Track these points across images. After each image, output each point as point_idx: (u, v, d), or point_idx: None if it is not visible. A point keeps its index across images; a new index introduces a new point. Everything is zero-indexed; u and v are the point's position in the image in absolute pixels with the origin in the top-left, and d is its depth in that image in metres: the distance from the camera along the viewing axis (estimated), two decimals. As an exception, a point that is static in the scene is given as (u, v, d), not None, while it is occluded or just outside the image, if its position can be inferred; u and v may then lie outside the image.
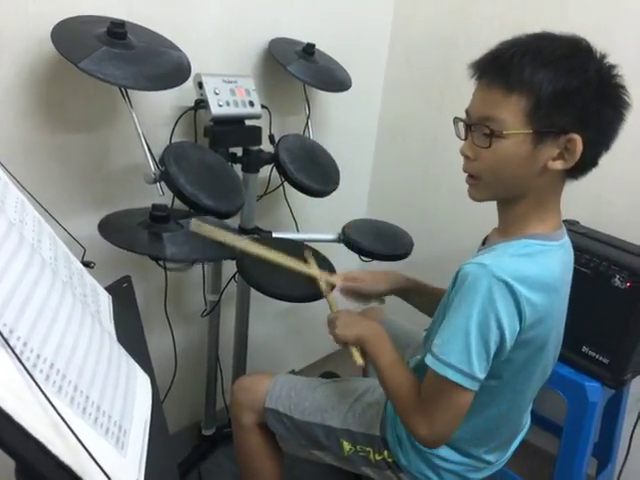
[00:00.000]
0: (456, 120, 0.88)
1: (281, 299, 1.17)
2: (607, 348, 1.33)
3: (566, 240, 0.90)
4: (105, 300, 0.81)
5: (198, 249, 0.97)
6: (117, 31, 1.04)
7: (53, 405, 0.44)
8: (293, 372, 2.06)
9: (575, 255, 1.34)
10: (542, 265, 0.82)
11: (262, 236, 1.44)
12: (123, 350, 0.64)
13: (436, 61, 1.82)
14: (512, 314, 0.77)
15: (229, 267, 1.42)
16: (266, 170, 1.49)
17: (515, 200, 0.85)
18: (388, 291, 1.17)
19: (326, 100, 1.72)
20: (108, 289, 0.86)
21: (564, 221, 1.48)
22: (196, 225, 1.02)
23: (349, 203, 1.98)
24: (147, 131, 1.27)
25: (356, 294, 1.16)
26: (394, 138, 1.98)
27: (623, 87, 0.79)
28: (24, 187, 0.83)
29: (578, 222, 1.52)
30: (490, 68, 0.80)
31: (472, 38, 1.71)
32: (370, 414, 1.02)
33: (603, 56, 0.79)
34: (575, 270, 1.34)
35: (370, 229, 1.54)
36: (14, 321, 0.46)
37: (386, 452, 1.00)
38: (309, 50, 1.49)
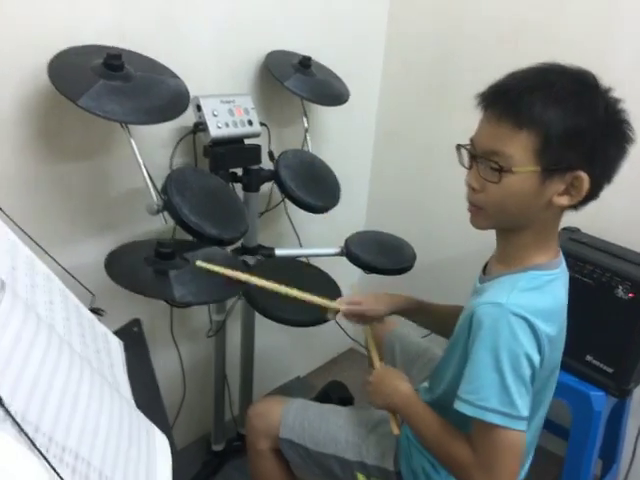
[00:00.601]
0: (459, 147, 0.87)
1: (287, 324, 1.17)
2: (611, 357, 1.35)
3: (564, 264, 0.92)
4: (117, 349, 0.81)
5: (205, 287, 0.97)
6: (114, 63, 1.03)
7: (82, 502, 0.44)
8: (298, 378, 2.08)
9: (578, 265, 1.37)
10: (551, 295, 0.84)
11: (265, 254, 1.44)
12: (141, 415, 0.64)
13: (432, 66, 1.80)
14: (535, 347, 0.78)
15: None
16: (267, 186, 1.48)
17: (517, 231, 0.86)
18: (388, 312, 1.17)
19: (324, 111, 1.71)
20: (119, 333, 0.86)
21: (564, 229, 1.51)
22: (200, 265, 1.02)
23: (349, 214, 1.98)
24: (146, 155, 1.26)
25: (358, 316, 1.16)
26: (391, 145, 1.97)
27: (628, 123, 0.80)
28: (23, 230, 0.82)
29: (579, 229, 1.52)
30: (499, 102, 0.79)
31: (468, 43, 1.70)
32: (384, 446, 1.03)
33: (608, 90, 0.79)
34: (578, 281, 1.36)
35: (372, 242, 1.54)
36: (38, 418, 0.46)
37: None
38: (306, 63, 1.47)
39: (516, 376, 0.77)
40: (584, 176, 0.77)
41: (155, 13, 1.22)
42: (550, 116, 0.75)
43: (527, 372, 0.78)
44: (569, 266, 1.35)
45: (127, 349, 0.83)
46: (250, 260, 1.37)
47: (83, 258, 1.21)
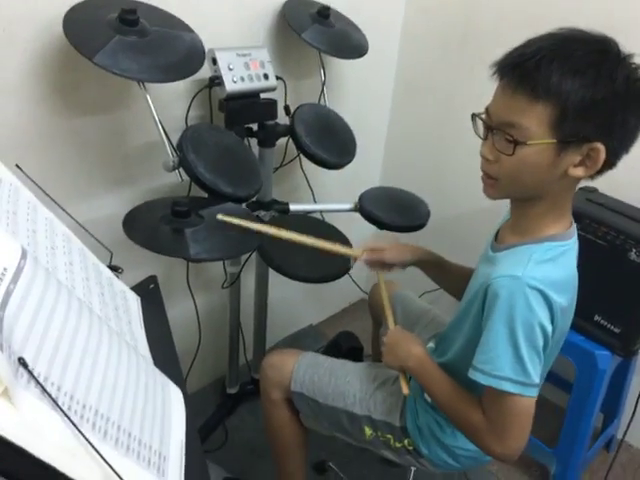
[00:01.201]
0: (474, 116, 0.86)
1: (302, 281, 1.20)
2: (619, 318, 1.36)
3: (576, 233, 0.92)
4: (135, 305, 0.85)
5: (220, 244, 1.00)
6: (129, 18, 1.02)
7: (101, 455, 0.49)
8: (310, 326, 2.14)
9: (592, 227, 1.37)
10: (564, 266, 0.85)
11: (279, 209, 1.46)
12: (157, 371, 0.68)
13: (454, 16, 1.74)
14: (548, 318, 0.80)
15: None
16: (282, 141, 1.48)
17: (531, 201, 0.86)
18: (412, 262, 1.19)
19: (342, 63, 1.67)
20: (135, 290, 0.89)
21: (581, 189, 1.50)
22: (222, 219, 1.04)
23: (365, 168, 1.97)
24: (163, 109, 1.27)
25: (380, 264, 1.19)
26: (410, 97, 1.93)
27: None
28: (42, 189, 0.84)
29: (596, 189, 1.50)
30: (515, 73, 0.77)
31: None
32: (390, 403, 1.07)
33: (629, 58, 0.77)
34: (592, 242, 1.36)
35: (386, 198, 1.55)
36: (60, 378, 0.50)
37: (406, 440, 1.06)
38: (324, 13, 1.43)
39: (530, 346, 0.79)
40: (601, 147, 0.76)
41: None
42: (567, 88, 0.73)
43: (540, 342, 0.80)
44: (583, 227, 1.37)
45: (144, 305, 0.87)
46: (265, 216, 1.39)
47: (100, 213, 1.25)
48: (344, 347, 1.78)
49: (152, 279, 0.91)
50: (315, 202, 1.68)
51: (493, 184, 0.86)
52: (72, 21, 1.00)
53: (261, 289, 1.58)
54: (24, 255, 0.53)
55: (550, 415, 1.61)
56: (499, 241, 0.94)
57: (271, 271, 1.59)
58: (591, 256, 1.35)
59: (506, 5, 1.58)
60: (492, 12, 1.62)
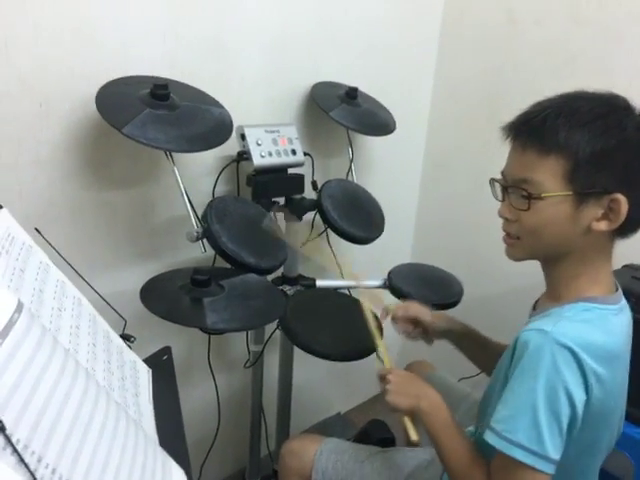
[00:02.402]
0: (492, 181, 0.86)
1: (325, 358, 1.13)
2: (680, 408, 1.23)
3: (624, 303, 0.84)
4: (145, 377, 0.80)
5: (239, 314, 0.95)
6: (160, 93, 1.05)
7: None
8: (338, 415, 2.02)
9: (640, 306, 1.27)
10: (604, 331, 0.76)
11: (306, 284, 1.42)
12: (159, 450, 0.61)
13: (482, 94, 1.76)
14: (579, 384, 0.71)
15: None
16: (309, 216, 1.47)
17: (559, 259, 0.81)
18: (446, 330, 1.13)
19: (370, 141, 1.69)
20: (148, 361, 0.84)
21: (625, 266, 1.41)
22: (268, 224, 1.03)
23: (394, 245, 1.94)
24: (190, 182, 1.28)
25: (411, 324, 1.13)
26: (440, 176, 1.92)
27: None
28: (59, 252, 0.83)
29: (642, 267, 1.42)
30: (523, 130, 0.78)
31: (519, 70, 1.65)
32: None
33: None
34: (640, 322, 1.26)
35: (416, 275, 1.49)
36: (42, 447, 0.44)
37: None
38: (352, 94, 1.47)
39: (550, 412, 0.70)
40: (621, 198, 0.73)
41: (205, 44, 1.24)
42: (576, 139, 0.72)
43: (565, 410, 0.71)
44: (632, 307, 1.27)
45: (155, 377, 0.81)
46: (290, 291, 1.35)
47: (124, 285, 1.22)
48: (374, 437, 1.65)
49: (166, 350, 0.86)
50: (343, 278, 1.63)
51: (514, 243, 0.83)
52: (105, 96, 1.03)
53: (285, 369, 1.50)
54: (19, 309, 0.49)
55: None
56: (536, 309, 0.88)
57: (296, 354, 1.53)
58: (641, 338, 1.26)
59: (535, 79, 1.59)
60: (520, 87, 1.63)
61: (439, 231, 1.97)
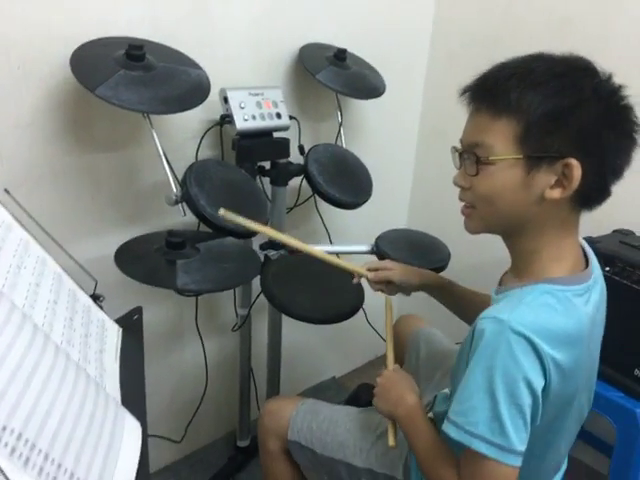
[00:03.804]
0: (453, 149, 0.81)
1: (303, 320, 1.14)
2: (663, 373, 1.22)
3: (596, 278, 0.80)
4: (114, 335, 0.81)
5: (211, 276, 0.95)
6: (135, 53, 1.04)
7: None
8: (333, 379, 2.04)
9: (627, 271, 1.25)
10: (564, 315, 0.72)
11: (290, 250, 1.42)
12: (111, 400, 0.62)
13: (479, 59, 1.70)
14: (537, 370, 0.69)
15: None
16: (297, 181, 1.46)
17: (517, 233, 0.78)
18: (420, 285, 1.12)
19: (361, 106, 1.66)
20: (120, 321, 0.86)
21: (615, 231, 1.39)
22: (225, 214, 0.99)
23: (390, 213, 1.93)
24: (175, 147, 1.28)
25: (385, 284, 1.12)
26: (437, 142, 1.89)
27: (631, 108, 0.71)
28: (34, 219, 0.83)
29: (632, 232, 1.39)
30: (477, 93, 0.74)
31: (517, 33, 1.61)
32: (393, 454, 0.97)
33: (604, 75, 0.71)
34: (627, 288, 1.25)
35: (405, 240, 1.49)
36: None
37: None
38: (340, 56, 1.44)
39: (512, 403, 0.68)
40: (574, 163, 0.68)
41: (187, 4, 1.22)
42: (528, 100, 0.69)
43: (527, 400, 0.68)
44: (617, 271, 1.26)
45: (125, 337, 0.83)
46: (274, 255, 1.35)
47: (110, 249, 1.23)
48: (364, 400, 1.67)
49: (137, 310, 0.87)
50: (332, 244, 1.63)
51: (470, 213, 0.80)
52: (80, 57, 1.03)
53: (274, 333, 1.52)
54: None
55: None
56: (502, 284, 0.86)
57: (290, 318, 1.54)
58: (627, 303, 1.25)
59: (532, 43, 1.53)
60: (517, 50, 1.57)
61: (436, 198, 1.95)
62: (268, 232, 1.06)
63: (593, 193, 0.73)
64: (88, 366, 0.68)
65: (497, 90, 0.71)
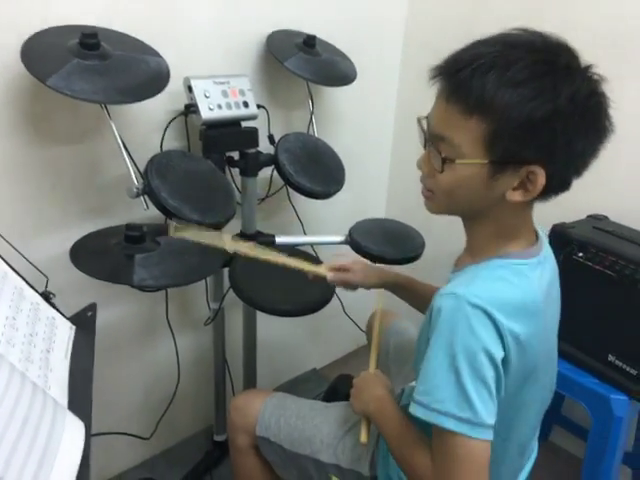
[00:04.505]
0: (420, 120, 0.79)
1: (273, 313, 1.12)
2: (635, 358, 1.21)
3: (546, 253, 0.81)
4: (65, 333, 0.79)
5: (171, 271, 0.93)
6: (89, 42, 1.00)
7: None
8: (314, 370, 2.03)
9: (599, 256, 1.24)
10: (519, 287, 0.73)
11: (264, 241, 1.39)
12: (50, 401, 0.60)
13: (454, 42, 1.69)
14: (496, 342, 0.68)
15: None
16: (267, 171, 1.43)
17: (475, 219, 0.78)
18: (378, 285, 1.14)
19: (333, 94, 1.64)
20: (74, 318, 0.83)
21: (589, 216, 1.38)
22: (176, 230, 0.97)
23: (366, 202, 1.90)
24: (139, 139, 1.25)
25: (345, 284, 1.13)
26: (414, 129, 1.86)
27: (601, 111, 0.68)
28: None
29: (607, 217, 1.38)
30: (450, 81, 0.70)
31: (492, 13, 1.58)
32: (360, 450, 0.96)
33: (587, 68, 0.68)
34: (600, 273, 1.23)
35: (379, 230, 1.47)
36: None
37: None
38: (310, 42, 1.41)
39: (475, 377, 0.67)
40: (539, 171, 0.68)
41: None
42: (504, 102, 0.65)
43: (489, 372, 0.68)
44: (590, 257, 1.25)
45: (77, 334, 0.80)
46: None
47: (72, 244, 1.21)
48: (342, 392, 1.66)
49: (91, 307, 0.85)
50: (305, 235, 1.61)
51: (430, 196, 0.79)
52: (32, 46, 0.99)
53: (249, 326, 1.50)
54: None
55: (566, 466, 1.44)
56: (457, 264, 0.85)
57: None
58: (600, 289, 1.24)
59: (508, 25, 1.52)
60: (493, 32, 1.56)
61: (414, 186, 1.89)
62: (225, 245, 1.02)
63: (553, 191, 0.73)
64: (30, 366, 0.65)
65: (472, 84, 0.66)
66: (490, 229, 0.77)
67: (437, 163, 0.73)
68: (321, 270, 1.10)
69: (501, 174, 0.69)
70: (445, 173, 0.72)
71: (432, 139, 0.74)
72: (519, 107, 0.65)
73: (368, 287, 1.12)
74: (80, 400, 0.67)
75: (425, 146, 0.77)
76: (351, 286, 1.12)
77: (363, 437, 0.90)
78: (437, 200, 0.78)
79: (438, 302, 0.71)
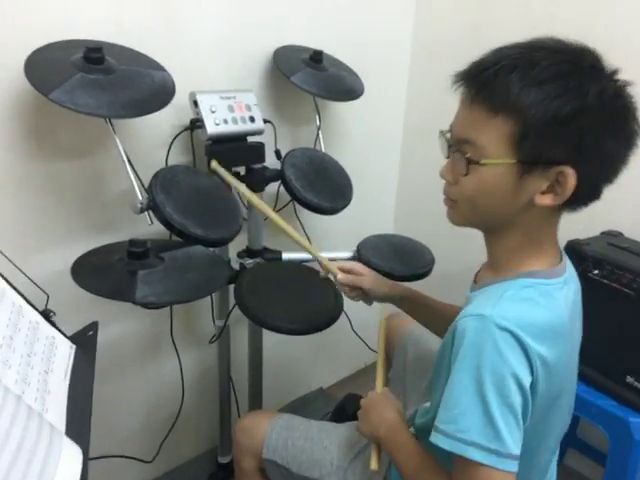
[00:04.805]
0: (440, 134, 0.77)
1: (279, 332, 1.09)
2: (656, 379, 1.17)
3: (570, 273, 0.78)
4: (65, 353, 0.76)
5: (174, 287, 0.90)
6: (93, 56, 0.99)
7: None
8: (320, 390, 1.99)
9: (615, 274, 1.21)
10: (546, 309, 0.70)
11: (270, 257, 1.37)
12: (46, 425, 0.57)
13: (461, 54, 1.67)
14: (524, 366, 0.65)
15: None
16: (274, 187, 1.41)
17: (499, 231, 0.75)
18: (388, 296, 1.10)
19: (340, 109, 1.62)
20: (74, 337, 0.81)
21: (603, 233, 1.35)
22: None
23: (374, 217, 1.88)
24: (144, 154, 1.23)
25: (353, 288, 1.10)
26: (422, 142, 1.84)
27: (631, 111, 0.67)
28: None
29: (621, 233, 1.35)
30: (474, 84, 0.69)
31: (497, 26, 1.57)
32: (371, 474, 0.91)
33: (613, 72, 0.66)
34: (617, 291, 1.20)
35: (388, 246, 1.44)
36: None
37: None
38: (317, 58, 1.40)
39: (503, 403, 0.64)
40: (569, 172, 0.65)
41: (154, 5, 1.18)
42: (529, 100, 0.63)
43: (517, 399, 0.64)
44: (606, 274, 1.21)
45: (77, 354, 0.77)
46: (250, 264, 1.30)
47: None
48: (350, 411, 1.61)
49: (92, 326, 0.82)
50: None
51: (453, 205, 0.76)
52: (36, 61, 0.98)
53: (254, 344, 1.47)
54: None
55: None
56: (477, 281, 0.82)
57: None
58: (616, 306, 1.20)
59: (514, 36, 1.51)
60: (500, 43, 1.55)
61: (423, 201, 1.89)
62: (253, 199, 1.11)
63: (584, 199, 0.70)
64: (27, 389, 0.63)
65: (496, 84, 0.65)
66: (514, 242, 0.74)
67: (461, 166, 0.70)
68: (334, 267, 1.09)
69: (529, 175, 0.67)
70: (470, 177, 0.70)
71: (456, 144, 0.72)
72: (545, 104, 0.63)
73: (377, 296, 1.09)
74: (78, 424, 0.64)
75: (448, 156, 0.75)
76: (357, 292, 1.09)
77: (374, 464, 0.86)
78: (460, 209, 0.75)
79: (462, 324, 0.68)
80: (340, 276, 1.07)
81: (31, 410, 0.57)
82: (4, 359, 0.62)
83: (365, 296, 1.10)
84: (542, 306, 0.69)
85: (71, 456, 0.57)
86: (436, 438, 0.67)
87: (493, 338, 0.64)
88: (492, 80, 0.65)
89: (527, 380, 0.65)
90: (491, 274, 0.77)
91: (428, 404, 0.97)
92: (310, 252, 1.12)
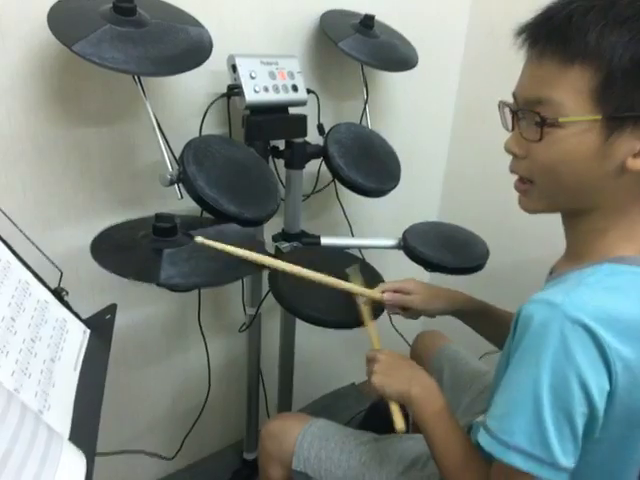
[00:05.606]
0: (501, 105, 0.66)
1: (316, 324, 0.98)
2: None
3: None
4: (77, 338, 0.66)
5: (203, 269, 0.79)
6: (124, 6, 0.88)
7: None
8: (353, 385, 1.88)
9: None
10: (636, 300, 0.57)
11: (308, 242, 1.25)
12: (43, 429, 0.47)
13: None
14: (599, 369, 0.54)
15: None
16: (315, 164, 1.30)
17: (586, 213, 0.62)
18: (445, 311, 0.96)
19: (390, 82, 1.49)
20: (89, 321, 0.71)
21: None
22: (200, 242, 0.83)
23: (419, 203, 1.74)
24: (177, 122, 1.13)
25: (403, 309, 0.97)
26: (474, 124, 1.70)
27: None
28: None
29: None
30: (542, 32, 0.57)
31: None
32: None
33: None
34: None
35: (436, 234, 1.31)
36: None
37: None
38: (367, 23, 1.26)
39: (558, 408, 0.54)
40: None
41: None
42: (611, 43, 0.53)
43: (579, 407, 0.54)
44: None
45: (92, 338, 0.68)
46: (286, 248, 1.19)
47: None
48: (383, 412, 1.50)
49: (110, 309, 0.72)
50: (353, 237, 1.47)
51: (527, 190, 0.64)
52: (61, 11, 0.88)
53: (287, 334, 1.36)
54: None
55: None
56: (552, 271, 0.70)
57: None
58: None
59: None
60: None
61: (472, 187, 1.75)
62: (263, 261, 0.89)
63: None
64: (26, 381, 0.52)
65: (570, 28, 0.54)
66: (602, 222, 0.62)
67: (533, 132, 0.59)
68: (374, 293, 0.95)
69: (619, 133, 0.55)
70: (544, 144, 0.58)
71: (525, 106, 0.60)
72: (632, 44, 0.52)
73: (432, 313, 0.96)
74: (86, 422, 0.54)
75: (513, 127, 0.63)
76: (411, 313, 0.97)
77: (400, 424, 0.74)
78: (538, 191, 0.63)
79: (527, 310, 0.57)
80: (387, 296, 0.94)
81: (25, 408, 0.47)
82: (3, 342, 0.52)
83: (416, 315, 0.98)
84: (631, 298, 0.57)
85: (72, 463, 0.47)
86: (479, 434, 0.59)
87: (561, 332, 0.54)
88: (565, 25, 0.55)
89: (599, 387, 0.54)
90: (570, 263, 0.65)
91: (481, 418, 0.85)
92: (348, 289, 0.97)
